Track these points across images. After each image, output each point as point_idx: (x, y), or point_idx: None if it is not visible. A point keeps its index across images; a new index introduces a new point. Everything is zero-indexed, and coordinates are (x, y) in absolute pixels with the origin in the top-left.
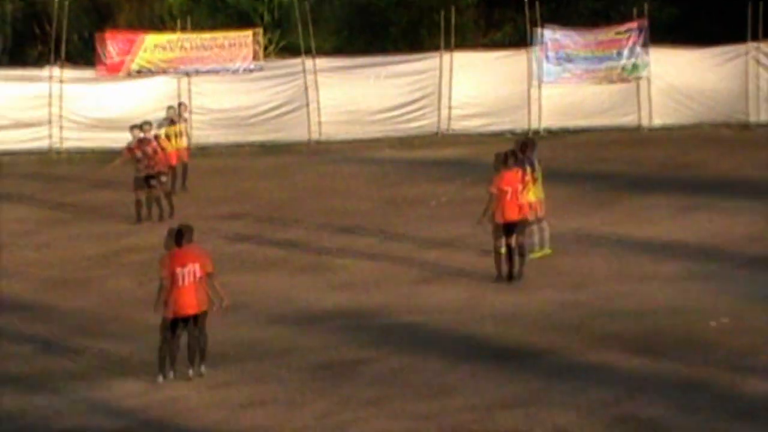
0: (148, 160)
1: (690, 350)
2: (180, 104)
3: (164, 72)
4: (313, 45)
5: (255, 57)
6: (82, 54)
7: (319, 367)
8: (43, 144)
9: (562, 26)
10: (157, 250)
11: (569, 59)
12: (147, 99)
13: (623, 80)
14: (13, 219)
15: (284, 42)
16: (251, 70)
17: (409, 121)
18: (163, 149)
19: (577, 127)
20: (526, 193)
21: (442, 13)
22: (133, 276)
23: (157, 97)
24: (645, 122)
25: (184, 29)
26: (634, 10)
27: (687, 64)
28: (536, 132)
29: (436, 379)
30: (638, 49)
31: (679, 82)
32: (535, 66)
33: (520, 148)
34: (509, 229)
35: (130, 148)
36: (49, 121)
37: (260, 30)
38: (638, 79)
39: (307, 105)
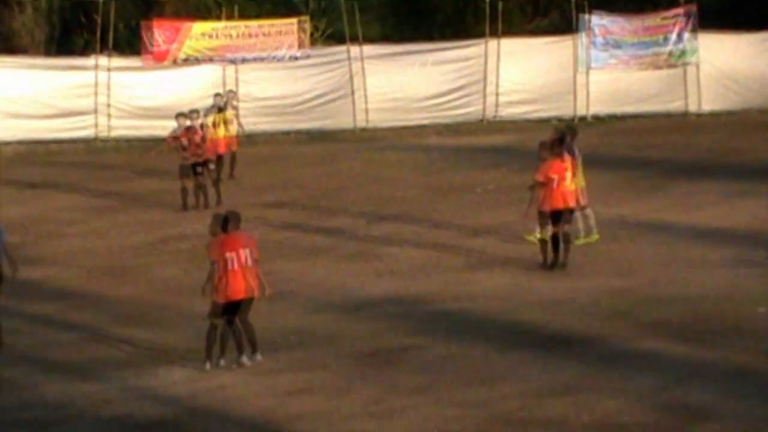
0: (196, 147)
1: (738, 337)
2: (229, 92)
3: (210, 60)
4: (360, 32)
5: (301, 45)
6: (129, 43)
7: (366, 355)
8: (90, 133)
9: (609, 12)
10: (204, 238)
11: (617, 45)
12: (193, 87)
13: (670, 66)
14: (61, 207)
15: (330, 30)
16: (297, 58)
17: (455, 108)
18: (210, 137)
19: (624, 114)
20: (572, 181)
21: (488, 0)
22: (180, 264)
23: (203, 85)
24: (692, 108)
25: (230, 17)
26: None
27: (735, 49)
28: (583, 118)
29: (483, 367)
30: (686, 34)
31: (728, 67)
32: (581, 52)
33: (563, 136)
34: (556, 217)
35: (175, 137)
36: (95, 110)
37: (306, 18)
38: (686, 65)
39: (353, 92)
